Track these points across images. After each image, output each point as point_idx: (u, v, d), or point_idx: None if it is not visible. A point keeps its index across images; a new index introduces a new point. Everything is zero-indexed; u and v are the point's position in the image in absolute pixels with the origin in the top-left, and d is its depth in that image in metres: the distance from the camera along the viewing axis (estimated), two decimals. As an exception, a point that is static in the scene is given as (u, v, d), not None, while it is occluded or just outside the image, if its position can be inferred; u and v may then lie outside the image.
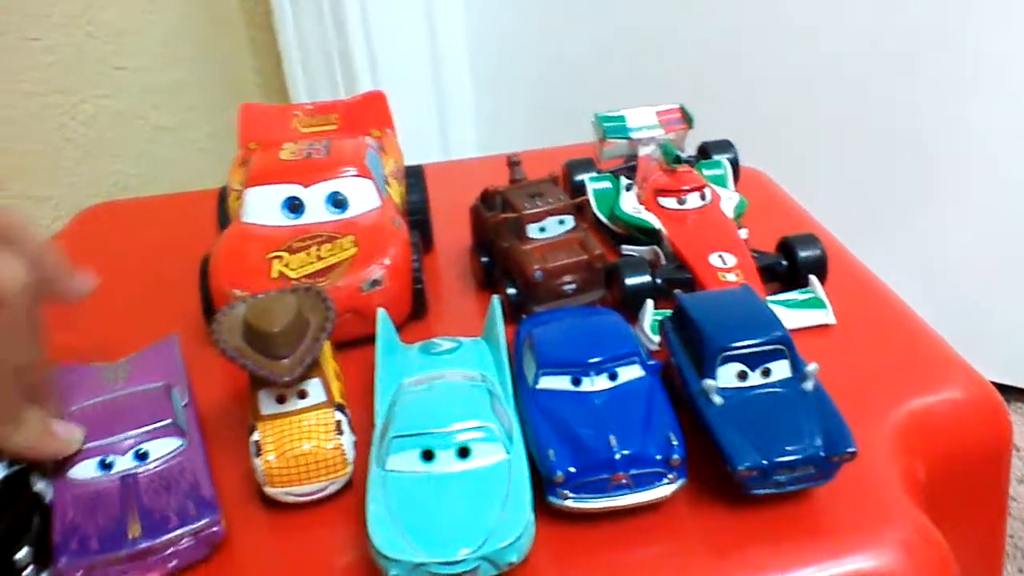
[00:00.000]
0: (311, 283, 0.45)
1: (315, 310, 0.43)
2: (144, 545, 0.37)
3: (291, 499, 0.41)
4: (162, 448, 0.41)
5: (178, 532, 0.37)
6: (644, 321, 0.50)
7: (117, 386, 0.44)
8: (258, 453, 0.40)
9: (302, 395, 0.42)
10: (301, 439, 0.40)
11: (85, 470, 0.40)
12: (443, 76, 1.03)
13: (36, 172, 0.97)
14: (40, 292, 0.40)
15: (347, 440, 0.41)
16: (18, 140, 0.96)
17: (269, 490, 0.41)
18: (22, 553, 0.36)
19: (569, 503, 0.39)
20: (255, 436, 0.41)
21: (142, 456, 0.40)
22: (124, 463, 0.40)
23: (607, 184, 0.63)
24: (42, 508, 0.39)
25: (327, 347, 0.45)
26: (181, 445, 0.41)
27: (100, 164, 1.01)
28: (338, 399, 0.43)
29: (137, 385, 0.44)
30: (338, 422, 0.41)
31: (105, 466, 0.40)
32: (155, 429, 0.41)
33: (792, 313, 0.51)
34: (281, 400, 0.42)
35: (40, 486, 0.40)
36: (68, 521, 0.38)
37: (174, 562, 0.38)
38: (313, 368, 0.42)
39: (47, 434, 0.40)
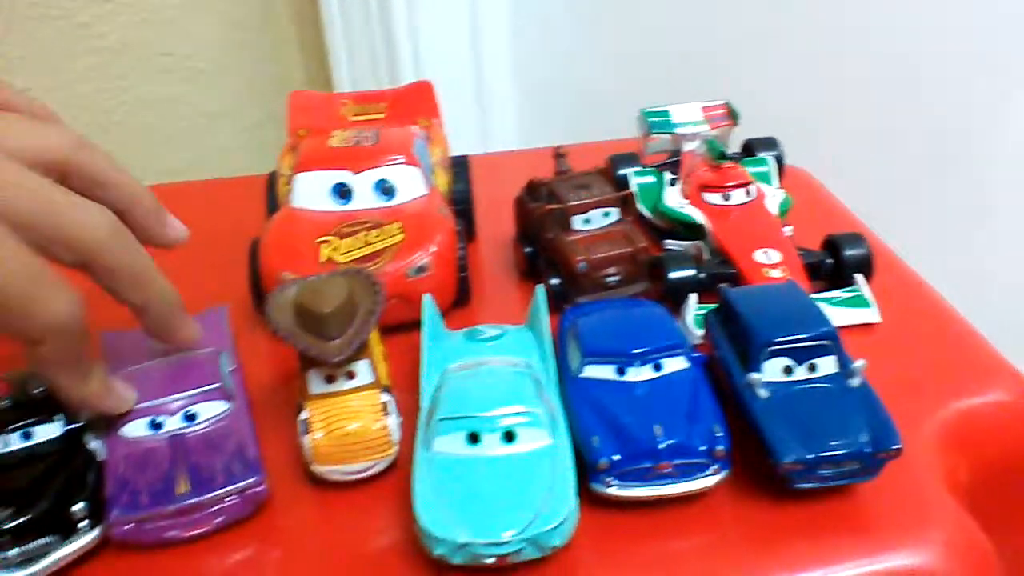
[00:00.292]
0: (361, 267, 0.45)
1: (365, 293, 0.44)
2: (192, 501, 0.38)
3: (337, 477, 0.42)
4: (210, 411, 0.42)
5: (224, 490, 0.39)
6: (687, 315, 0.50)
7: (168, 350, 0.45)
8: (306, 431, 0.41)
9: (350, 376, 0.43)
10: (348, 419, 0.41)
11: (136, 429, 0.41)
12: (485, 70, 1.04)
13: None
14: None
15: (393, 421, 0.42)
16: (69, 123, 0.98)
17: (316, 468, 0.41)
18: (78, 507, 0.38)
19: (612, 490, 0.39)
20: (303, 415, 0.41)
21: (191, 417, 0.42)
22: (173, 423, 0.42)
23: (651, 179, 0.63)
24: (96, 465, 0.40)
25: (374, 331, 0.46)
26: (228, 409, 0.43)
27: (148, 149, 1.03)
28: (384, 381, 0.43)
29: (187, 350, 0.45)
30: (384, 403, 0.42)
31: (155, 426, 0.41)
32: (204, 392, 0.42)
33: (837, 311, 0.51)
34: (330, 380, 0.42)
35: (94, 445, 0.41)
36: (120, 476, 0.39)
37: (220, 519, 0.39)
38: (362, 350, 0.42)
39: (108, 389, 0.41)
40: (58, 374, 0.39)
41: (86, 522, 0.38)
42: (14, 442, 0.40)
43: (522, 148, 1.03)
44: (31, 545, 0.37)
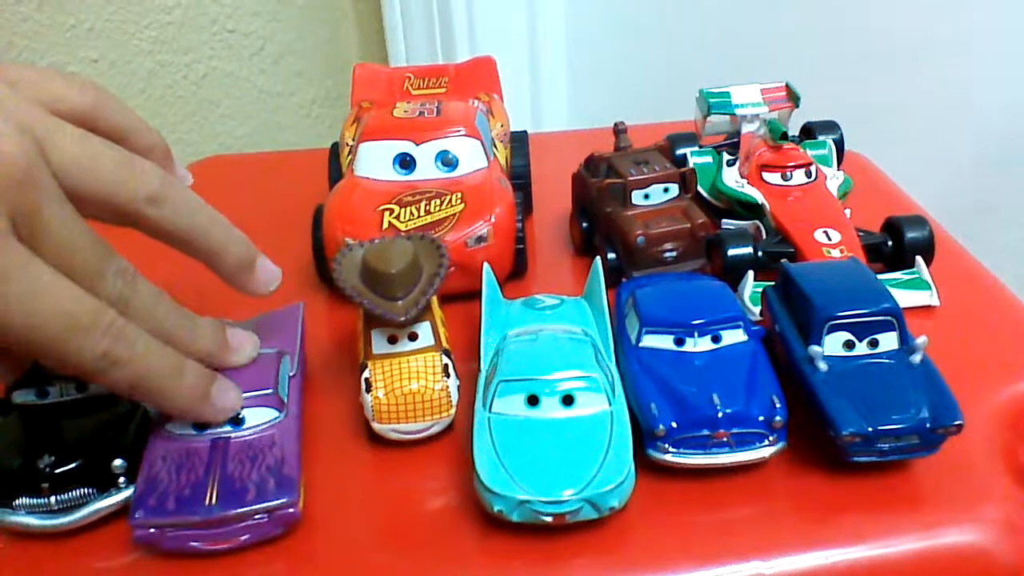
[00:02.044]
0: (425, 232, 0.46)
1: (429, 257, 0.44)
2: (217, 514, 0.36)
3: (396, 436, 0.42)
4: (259, 417, 0.40)
5: (253, 507, 0.37)
6: (744, 292, 0.51)
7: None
8: (368, 390, 0.42)
9: (412, 337, 0.43)
10: (410, 379, 0.42)
11: (182, 426, 0.40)
12: (540, 48, 1.04)
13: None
14: None
15: (452, 383, 0.42)
16: (132, 95, 1.01)
17: (377, 426, 0.42)
18: (118, 463, 0.38)
19: (669, 457, 0.39)
20: (366, 374, 0.42)
21: (238, 421, 0.40)
22: (219, 425, 0.40)
23: (708, 159, 0.63)
24: (148, 423, 0.40)
25: (434, 297, 0.46)
26: (277, 417, 0.41)
27: (208, 124, 1.05)
28: (445, 344, 0.44)
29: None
30: (445, 365, 0.42)
31: (200, 426, 0.40)
32: (255, 397, 0.41)
33: (896, 293, 0.50)
34: (392, 341, 0.43)
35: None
36: (154, 475, 0.38)
37: (245, 536, 0.37)
38: (425, 312, 0.43)
39: (224, 342, 0.41)
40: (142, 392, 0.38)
41: (124, 478, 0.38)
42: (70, 392, 0.40)
43: (573, 128, 1.04)
44: (69, 495, 0.37)
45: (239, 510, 0.36)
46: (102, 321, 0.34)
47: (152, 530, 0.36)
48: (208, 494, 0.37)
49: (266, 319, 0.47)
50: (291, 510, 0.37)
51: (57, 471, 0.37)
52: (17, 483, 0.37)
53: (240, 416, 0.40)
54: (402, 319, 0.42)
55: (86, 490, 0.38)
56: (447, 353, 0.44)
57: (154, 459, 0.39)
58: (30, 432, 0.39)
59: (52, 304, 0.33)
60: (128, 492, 0.38)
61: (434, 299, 0.46)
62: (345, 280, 0.43)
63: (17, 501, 0.37)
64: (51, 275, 0.33)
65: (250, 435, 0.40)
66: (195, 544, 0.37)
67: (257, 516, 0.37)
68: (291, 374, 0.44)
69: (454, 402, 0.43)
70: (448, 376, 0.42)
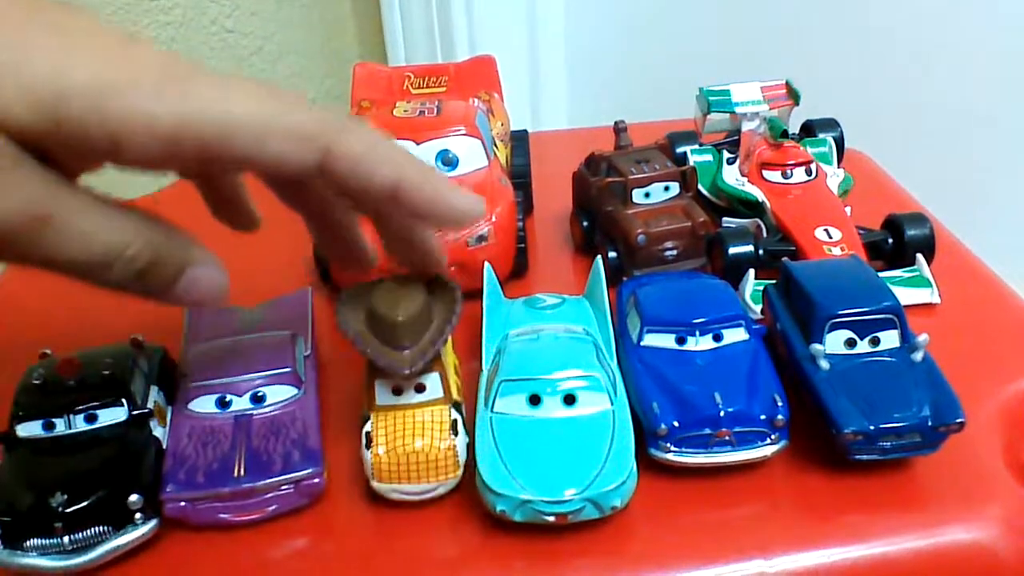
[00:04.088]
0: (439, 273, 0.43)
1: (442, 301, 0.41)
2: (246, 485, 0.37)
3: (396, 496, 0.39)
4: (278, 394, 0.42)
5: (280, 478, 0.38)
6: (745, 290, 0.51)
7: (250, 330, 0.45)
8: (368, 445, 0.39)
9: (419, 389, 0.40)
10: (414, 435, 0.39)
11: (204, 405, 0.41)
12: (539, 48, 1.04)
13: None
14: None
15: (460, 442, 0.39)
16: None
17: (376, 485, 0.39)
18: (134, 498, 0.36)
19: (670, 456, 0.39)
20: (367, 427, 0.39)
21: (259, 399, 0.41)
22: (241, 404, 0.41)
23: (708, 157, 0.63)
24: (159, 453, 0.39)
25: (449, 341, 0.43)
26: (296, 394, 0.42)
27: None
28: (455, 396, 0.41)
29: (266, 331, 0.45)
30: (454, 421, 0.39)
31: (223, 404, 0.41)
32: (274, 375, 0.42)
33: (897, 290, 0.50)
34: (397, 392, 0.40)
35: (159, 432, 0.40)
36: (181, 451, 0.39)
37: (273, 507, 0.38)
38: (434, 362, 0.40)
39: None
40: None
41: (139, 515, 0.37)
42: (78, 424, 0.39)
43: (572, 127, 1.04)
44: (84, 533, 0.36)
45: (267, 481, 0.38)
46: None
47: (183, 504, 0.37)
48: (236, 467, 0.38)
49: (277, 303, 0.49)
50: (316, 480, 0.39)
51: (70, 509, 0.35)
52: (28, 523, 0.36)
53: (261, 394, 0.41)
54: (407, 372, 0.38)
55: (102, 528, 0.36)
56: (457, 407, 0.41)
57: (180, 437, 0.40)
58: (39, 468, 0.38)
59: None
60: (148, 526, 0.37)
61: (448, 344, 0.43)
62: (348, 324, 0.40)
63: (28, 542, 0.36)
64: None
65: (272, 411, 0.41)
66: (224, 516, 0.38)
67: (284, 487, 0.38)
68: (306, 354, 0.45)
69: (461, 462, 0.39)
70: (456, 434, 0.39)
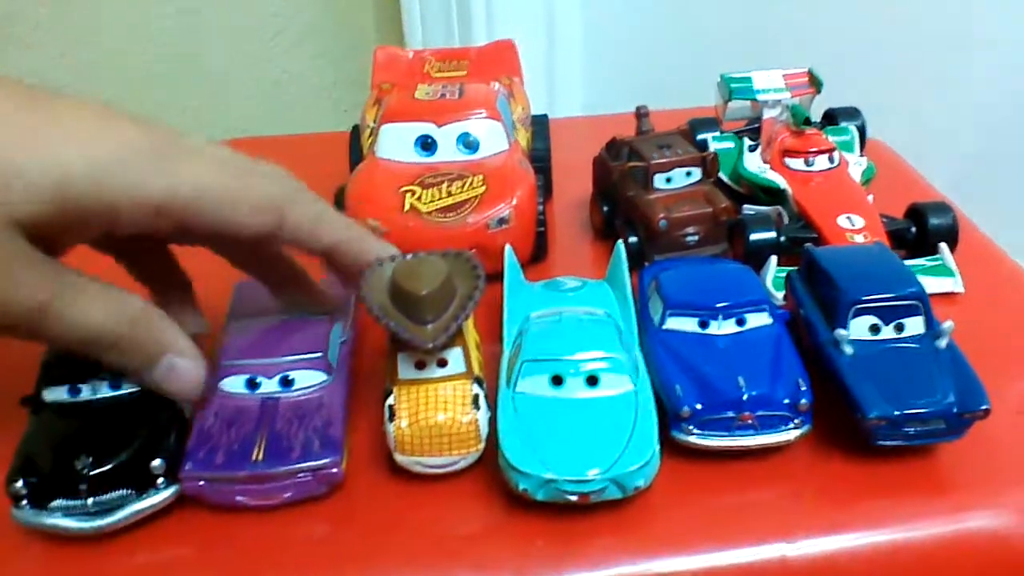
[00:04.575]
0: (463, 250, 0.43)
1: (464, 277, 0.41)
2: (263, 470, 0.37)
3: (419, 469, 0.40)
4: (307, 379, 0.41)
5: (297, 465, 0.38)
6: (767, 277, 0.50)
7: (290, 309, 0.45)
8: (391, 418, 0.39)
9: (442, 363, 0.40)
10: (436, 409, 0.39)
11: (234, 384, 0.41)
12: (556, 34, 1.04)
13: (166, 106, 1.02)
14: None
15: (482, 416, 0.39)
16: (152, 77, 1.01)
17: (399, 457, 0.39)
18: (156, 463, 0.37)
19: (693, 439, 0.39)
20: (390, 400, 0.40)
21: (287, 383, 0.41)
22: (270, 386, 0.41)
23: (729, 144, 0.63)
24: (181, 422, 0.40)
25: (470, 318, 0.42)
26: (326, 380, 0.42)
27: (224, 105, 1.05)
28: (477, 371, 0.41)
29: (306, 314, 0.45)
30: (476, 396, 0.40)
31: (252, 385, 0.41)
32: (305, 359, 0.41)
33: (920, 279, 0.50)
34: (420, 366, 0.40)
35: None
36: (205, 429, 0.39)
37: (289, 494, 0.38)
38: (456, 336, 0.40)
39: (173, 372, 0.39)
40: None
41: (162, 480, 0.37)
42: (103, 390, 0.39)
43: (588, 115, 1.03)
44: (107, 496, 0.36)
45: (284, 468, 0.38)
46: None
47: (201, 483, 0.38)
48: (255, 450, 0.38)
49: (323, 285, 0.48)
50: (335, 470, 0.38)
51: (95, 472, 0.36)
52: (53, 485, 0.36)
53: (290, 378, 0.41)
54: (430, 345, 0.38)
55: (125, 491, 0.37)
56: (479, 382, 0.41)
57: (207, 415, 0.40)
58: (65, 432, 0.38)
59: None
60: (170, 491, 0.38)
61: (469, 321, 0.43)
62: (371, 298, 0.40)
63: (53, 503, 0.36)
64: None
65: (299, 396, 0.41)
66: (241, 499, 0.38)
67: (301, 475, 0.38)
68: (342, 340, 0.44)
69: (483, 436, 0.39)
70: (478, 408, 0.39)
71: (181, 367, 0.38)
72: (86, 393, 0.39)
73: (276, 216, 0.39)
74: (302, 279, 0.45)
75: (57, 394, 0.39)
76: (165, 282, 0.45)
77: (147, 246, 0.43)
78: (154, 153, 0.35)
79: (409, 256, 0.42)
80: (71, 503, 0.36)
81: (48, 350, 0.41)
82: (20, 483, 0.36)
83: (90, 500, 0.36)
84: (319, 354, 0.42)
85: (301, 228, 0.40)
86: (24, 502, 0.36)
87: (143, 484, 0.37)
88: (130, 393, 0.39)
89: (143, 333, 0.37)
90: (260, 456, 0.38)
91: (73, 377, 0.39)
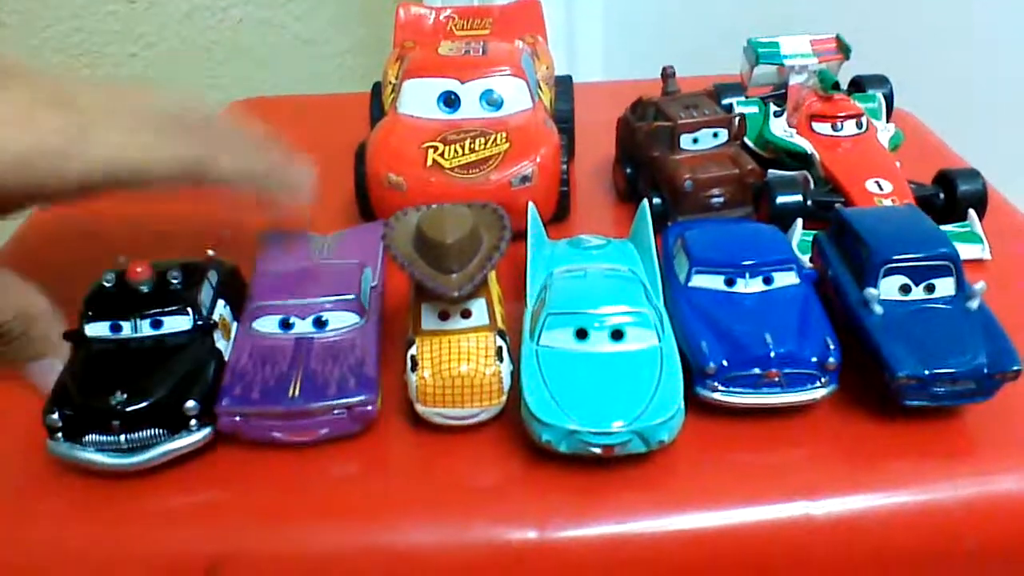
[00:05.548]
0: (488, 201, 0.43)
1: (490, 228, 0.41)
2: (299, 407, 0.38)
3: (440, 420, 0.39)
4: (340, 321, 0.42)
5: (333, 402, 0.38)
6: (792, 240, 0.50)
7: (320, 256, 0.46)
8: (413, 368, 0.39)
9: (465, 315, 0.40)
10: (459, 360, 0.39)
11: (267, 324, 0.41)
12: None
13: (181, 70, 1.01)
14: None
15: (505, 368, 0.39)
16: (167, 39, 1.00)
17: (420, 408, 0.39)
18: (190, 404, 0.37)
19: (718, 395, 0.39)
20: (412, 350, 0.39)
21: (321, 324, 0.41)
22: (303, 326, 0.41)
23: (755, 109, 0.62)
24: (219, 364, 0.40)
25: (492, 272, 0.42)
26: (359, 322, 0.42)
27: (241, 69, 1.04)
28: (500, 324, 0.41)
29: (337, 259, 0.45)
30: (499, 348, 0.39)
31: (285, 325, 0.41)
32: (338, 301, 0.42)
33: (948, 244, 0.49)
34: (444, 317, 0.40)
35: (222, 345, 0.41)
36: (240, 367, 0.39)
37: (324, 430, 0.38)
38: (481, 288, 0.40)
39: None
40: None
41: (196, 421, 0.37)
42: (144, 329, 0.40)
43: (608, 79, 1.02)
44: (140, 434, 0.37)
45: (320, 404, 0.38)
46: None
47: (237, 418, 0.38)
48: (292, 387, 0.38)
49: (350, 234, 0.49)
50: (369, 408, 0.38)
51: (129, 408, 0.36)
52: (88, 418, 0.37)
53: (323, 319, 0.41)
54: (455, 294, 0.38)
55: (157, 430, 0.37)
56: (502, 334, 0.40)
57: (241, 353, 0.40)
58: (103, 367, 0.39)
59: None
60: (203, 433, 0.38)
61: (492, 275, 0.43)
62: (396, 247, 0.40)
63: (87, 437, 0.37)
64: None
65: (333, 337, 0.41)
66: (276, 435, 0.38)
67: (336, 412, 0.38)
68: (372, 284, 0.45)
69: (506, 388, 0.39)
70: (501, 360, 0.39)
71: (48, 368, 0.41)
72: (127, 330, 0.40)
73: (195, 173, 0.42)
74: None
75: (98, 330, 0.40)
76: None
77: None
78: (68, 139, 0.38)
79: (435, 206, 0.42)
80: (104, 438, 0.37)
81: (93, 285, 0.41)
82: (56, 415, 0.37)
83: (122, 436, 0.37)
84: (352, 296, 0.42)
85: (223, 180, 0.43)
86: (59, 434, 0.37)
87: (176, 424, 0.37)
88: (172, 334, 0.40)
89: (29, 329, 0.40)
90: (296, 392, 0.38)
91: (115, 313, 0.40)
